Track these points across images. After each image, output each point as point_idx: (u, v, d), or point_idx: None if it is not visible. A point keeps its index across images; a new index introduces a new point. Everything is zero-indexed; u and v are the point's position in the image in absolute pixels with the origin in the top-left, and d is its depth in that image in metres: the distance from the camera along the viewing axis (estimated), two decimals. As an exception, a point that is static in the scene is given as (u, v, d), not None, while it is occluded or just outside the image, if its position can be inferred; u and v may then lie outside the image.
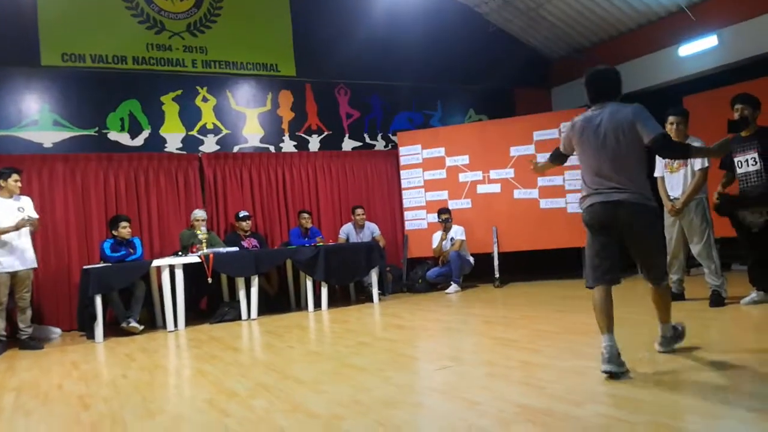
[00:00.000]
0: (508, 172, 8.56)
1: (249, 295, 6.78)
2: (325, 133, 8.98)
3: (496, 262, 8.27)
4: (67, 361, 5.13)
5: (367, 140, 9.29)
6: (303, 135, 8.82)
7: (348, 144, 9.14)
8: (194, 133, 8.10)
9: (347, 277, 7.54)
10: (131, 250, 6.67)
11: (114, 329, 6.40)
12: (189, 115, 8.09)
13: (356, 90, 9.21)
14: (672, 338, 3.62)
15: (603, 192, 3.32)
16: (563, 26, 9.68)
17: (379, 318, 6.41)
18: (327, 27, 8.87)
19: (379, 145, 9.37)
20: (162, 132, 7.92)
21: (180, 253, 6.83)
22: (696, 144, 4.63)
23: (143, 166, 7.63)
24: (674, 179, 5.26)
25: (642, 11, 8.75)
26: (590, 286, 3.39)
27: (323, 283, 7.16)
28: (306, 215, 8.02)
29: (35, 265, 5.99)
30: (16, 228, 5.68)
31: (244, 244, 7.51)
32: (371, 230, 8.40)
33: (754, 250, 4.92)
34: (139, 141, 7.79)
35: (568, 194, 8.27)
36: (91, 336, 6.11)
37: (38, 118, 7.30)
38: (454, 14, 9.73)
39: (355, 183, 8.97)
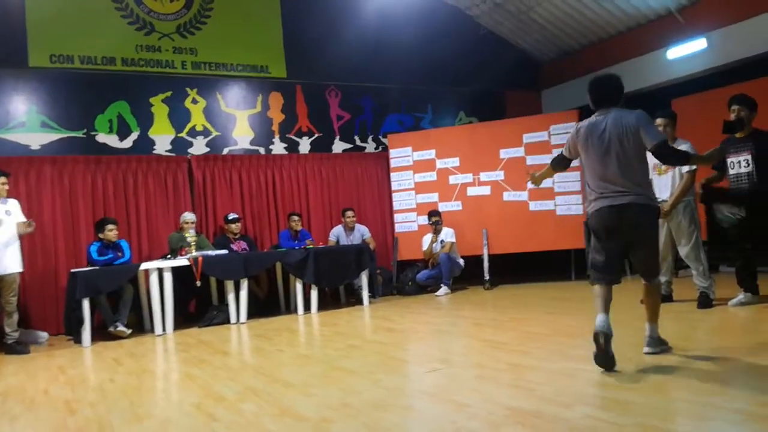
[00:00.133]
0: (498, 175, 8.57)
1: (238, 299, 6.75)
2: (316, 135, 8.96)
3: (486, 265, 8.28)
4: (53, 365, 5.09)
5: (358, 142, 9.28)
6: (293, 137, 8.80)
7: (338, 146, 9.13)
8: (183, 135, 8.07)
9: (337, 280, 7.52)
10: (119, 253, 6.62)
11: (101, 333, 6.34)
12: (178, 117, 8.05)
13: (347, 92, 9.20)
14: (659, 340, 3.63)
15: (609, 196, 3.44)
16: (553, 29, 9.72)
17: (369, 321, 6.39)
18: (318, 29, 8.86)
19: (370, 147, 9.37)
20: (151, 134, 7.87)
21: (169, 256, 6.79)
22: (683, 147, 4.66)
23: (132, 168, 7.58)
24: (662, 181, 5.28)
25: (631, 14, 8.80)
26: (592, 283, 3.58)
27: (313, 286, 7.13)
28: (296, 218, 7.99)
29: (21, 269, 5.92)
30: (20, 235, 5.73)
31: (234, 246, 7.48)
32: (361, 233, 8.39)
33: (716, 245, 4.95)
34: (127, 143, 7.75)
35: (557, 196, 8.29)
36: (78, 340, 6.04)
37: (25, 120, 7.24)
38: (444, 17, 9.75)
39: (346, 185, 8.95)
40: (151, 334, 6.40)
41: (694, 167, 5.07)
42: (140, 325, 6.77)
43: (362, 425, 2.74)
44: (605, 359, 3.31)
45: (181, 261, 6.52)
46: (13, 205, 5.92)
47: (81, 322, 5.97)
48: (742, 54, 7.66)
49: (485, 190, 8.62)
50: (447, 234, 8.32)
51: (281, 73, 8.72)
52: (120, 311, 6.34)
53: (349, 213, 8.35)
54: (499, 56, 10.13)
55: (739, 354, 3.56)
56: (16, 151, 7.11)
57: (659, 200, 5.25)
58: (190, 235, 6.86)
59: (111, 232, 6.61)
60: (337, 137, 9.13)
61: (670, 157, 3.65)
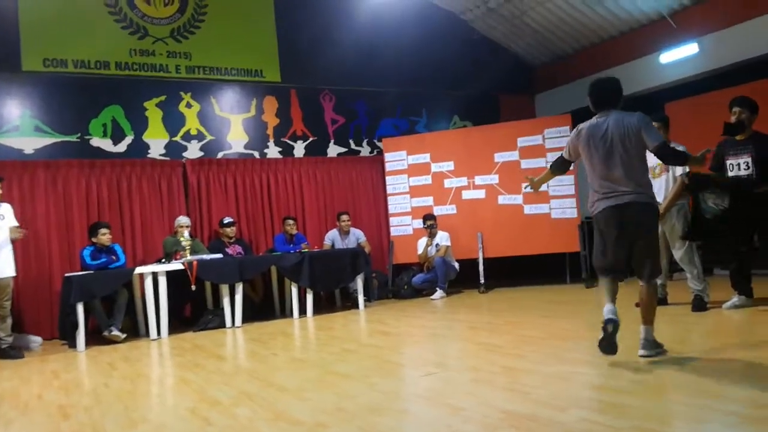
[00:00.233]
0: (493, 178, 8.59)
1: (233, 303, 6.73)
2: (310, 139, 8.96)
3: (481, 268, 8.29)
4: (47, 370, 5.06)
5: (353, 146, 9.29)
6: (288, 141, 8.80)
7: (333, 150, 9.13)
8: (178, 139, 8.05)
9: (332, 284, 7.52)
10: (113, 257, 6.60)
11: (96, 338, 6.32)
12: (173, 121, 8.04)
13: (341, 96, 9.20)
14: (654, 343, 3.65)
15: (612, 196, 3.57)
16: (546, 33, 9.76)
17: (364, 324, 6.39)
18: (312, 33, 8.86)
19: (365, 151, 9.38)
20: (145, 138, 7.86)
21: (163, 260, 6.77)
22: (679, 149, 4.67)
23: (126, 172, 7.56)
24: (656, 185, 5.27)
25: (624, 19, 8.84)
26: (591, 285, 3.69)
27: (308, 290, 7.13)
28: (291, 221, 7.98)
29: (14, 273, 5.89)
30: (13, 241, 5.71)
31: (229, 251, 7.46)
32: (356, 236, 8.39)
33: (697, 237, 4.94)
34: (121, 147, 7.73)
35: (552, 200, 8.31)
36: (72, 345, 6.02)
37: (19, 124, 7.22)
38: (439, 21, 9.77)
39: (341, 189, 8.95)
40: (146, 338, 6.38)
41: (687, 170, 5.10)
42: (135, 329, 6.74)
43: (357, 429, 2.74)
44: (609, 346, 3.47)
45: (176, 265, 6.50)
46: (7, 209, 5.89)
47: (75, 326, 5.94)
48: (734, 58, 7.70)
49: (480, 194, 8.64)
50: (442, 238, 8.33)
51: (275, 77, 8.72)
52: (114, 316, 6.31)
53: (344, 217, 8.35)
54: (492, 60, 10.16)
55: (733, 356, 3.58)
56: (9, 155, 7.08)
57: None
58: (185, 239, 6.85)
59: (104, 236, 6.59)
60: (332, 141, 9.13)
61: (670, 157, 3.75)
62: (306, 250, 7.44)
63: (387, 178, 9.03)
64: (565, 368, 3.60)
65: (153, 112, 7.93)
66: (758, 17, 7.36)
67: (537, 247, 8.35)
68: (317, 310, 7.28)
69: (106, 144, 7.64)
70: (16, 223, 5.87)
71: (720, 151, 5.03)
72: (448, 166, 8.78)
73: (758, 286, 5.18)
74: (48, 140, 7.34)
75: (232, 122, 8.46)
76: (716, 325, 4.56)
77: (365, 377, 3.76)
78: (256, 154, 8.54)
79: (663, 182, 5.26)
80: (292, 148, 8.82)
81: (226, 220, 7.64)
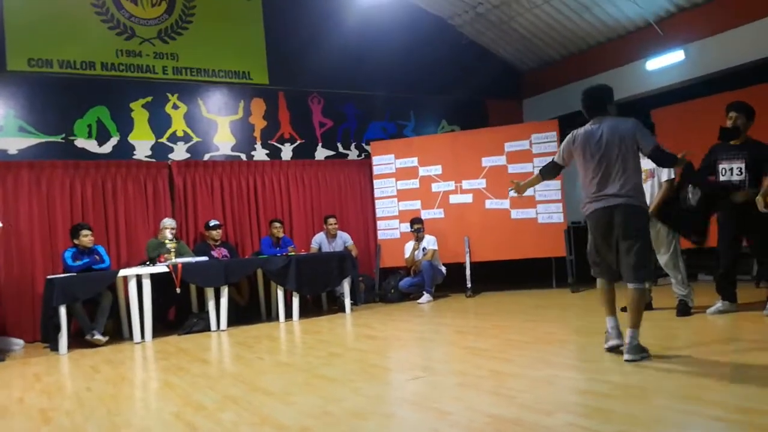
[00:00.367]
0: (480, 183, 8.61)
1: (218, 306, 6.69)
2: (298, 142, 8.94)
3: (468, 272, 8.30)
4: (29, 373, 5.00)
5: (341, 149, 9.28)
6: (275, 143, 8.77)
7: (321, 153, 9.11)
8: (164, 140, 8.00)
9: (319, 287, 7.49)
10: (96, 257, 6.54)
11: (79, 341, 6.25)
12: (159, 123, 7.98)
13: (330, 99, 9.19)
14: (640, 347, 3.66)
15: (603, 198, 3.71)
16: (534, 39, 9.82)
17: (351, 328, 6.37)
18: (300, 35, 8.85)
19: (353, 154, 9.37)
20: (131, 139, 7.80)
21: (148, 263, 6.70)
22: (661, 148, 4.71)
23: (111, 173, 7.49)
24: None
25: (611, 26, 8.91)
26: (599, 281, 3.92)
27: (295, 293, 7.10)
28: (278, 224, 7.95)
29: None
30: None
31: (214, 253, 7.41)
32: (344, 240, 8.37)
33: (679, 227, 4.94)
34: (107, 148, 7.66)
35: (539, 205, 8.35)
36: (55, 348, 5.94)
37: (3, 124, 7.13)
38: (427, 26, 9.80)
39: (328, 192, 8.93)
40: (130, 341, 6.31)
41: (672, 176, 5.14)
42: (118, 332, 6.68)
43: (343, 434, 2.72)
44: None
45: (161, 268, 6.45)
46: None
47: (58, 329, 5.88)
48: (719, 66, 7.79)
49: (467, 198, 8.66)
50: (429, 241, 8.33)
51: (263, 80, 8.69)
52: (97, 319, 6.25)
53: (332, 220, 8.33)
54: (481, 65, 10.21)
55: (718, 361, 3.60)
56: (-8, 155, 7.01)
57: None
58: (170, 242, 6.80)
59: (86, 238, 6.52)
60: (320, 144, 9.11)
61: (665, 159, 3.84)
62: (293, 253, 7.41)
63: (375, 181, 9.03)
64: (551, 372, 3.60)
65: (139, 113, 7.88)
66: (744, 25, 7.45)
67: (523, 251, 8.38)
68: (303, 314, 7.25)
69: (91, 145, 7.58)
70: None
71: (712, 155, 5.03)
72: (436, 170, 8.79)
73: (742, 291, 5.22)
74: (32, 141, 7.26)
75: (219, 124, 8.42)
76: (700, 330, 4.59)
77: (351, 381, 3.74)
78: (243, 157, 8.50)
79: (648, 188, 5.28)
80: (280, 150, 8.80)
81: (212, 222, 7.59)
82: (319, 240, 8.32)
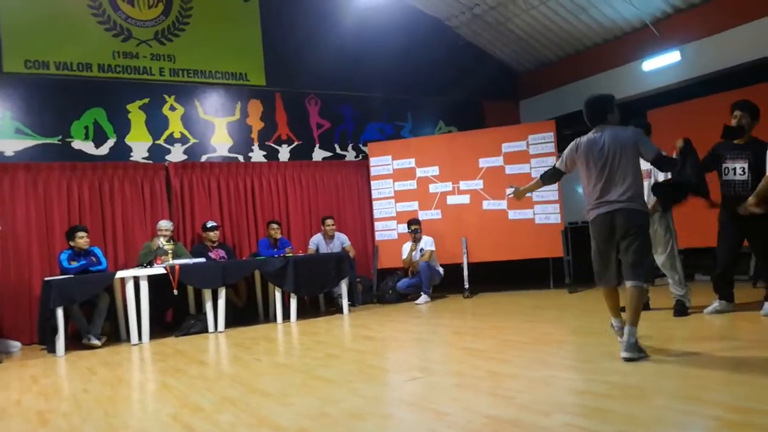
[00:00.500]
0: (478, 184, 8.62)
1: (216, 307, 6.68)
2: (296, 143, 8.93)
3: (465, 273, 8.30)
4: (26, 375, 4.99)
5: (338, 151, 9.28)
6: (273, 145, 8.77)
7: (318, 154, 9.11)
8: (161, 142, 7.99)
9: (317, 288, 7.48)
10: (93, 259, 6.52)
11: (76, 342, 6.23)
12: (156, 124, 7.97)
13: (327, 100, 9.19)
14: (637, 346, 3.68)
15: (605, 204, 3.84)
16: (530, 40, 9.84)
17: (348, 329, 6.36)
18: (297, 37, 8.85)
19: (350, 155, 9.37)
20: (128, 141, 7.79)
21: (145, 265, 6.69)
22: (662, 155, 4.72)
23: (108, 175, 7.48)
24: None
25: (607, 27, 8.93)
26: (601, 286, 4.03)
27: (292, 295, 7.09)
28: (275, 226, 7.94)
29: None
30: None
31: (212, 255, 7.41)
32: (341, 241, 8.37)
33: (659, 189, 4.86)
34: (104, 150, 7.65)
35: (536, 205, 8.35)
36: (52, 350, 5.93)
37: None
38: (424, 27, 9.81)
39: (326, 193, 8.93)
40: (127, 343, 6.30)
41: (669, 177, 5.14)
42: (116, 334, 6.67)
43: (341, 435, 2.72)
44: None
45: (158, 269, 6.44)
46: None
47: (55, 331, 5.86)
48: (715, 66, 7.81)
49: (465, 199, 8.66)
50: (427, 242, 8.33)
51: (260, 81, 8.69)
52: (94, 321, 6.23)
53: (329, 221, 8.32)
54: (477, 66, 10.22)
55: (715, 361, 3.61)
56: (-11, 157, 6.99)
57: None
58: (166, 244, 6.78)
59: (82, 240, 6.50)
60: (317, 145, 9.11)
61: (667, 164, 4.09)
62: (290, 254, 7.40)
63: (372, 182, 9.03)
64: (548, 373, 3.61)
65: (136, 115, 7.87)
66: (740, 26, 7.48)
67: (521, 252, 8.39)
68: (301, 315, 7.24)
69: (87, 147, 7.56)
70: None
71: (716, 152, 5.01)
72: (433, 171, 8.80)
73: (739, 291, 5.23)
74: (29, 142, 7.25)
75: (216, 125, 8.41)
76: (698, 330, 4.60)
77: (349, 382, 3.74)
78: (241, 158, 8.49)
79: (646, 187, 5.29)
80: (277, 152, 8.79)
81: (210, 224, 7.58)
82: (316, 241, 8.32)
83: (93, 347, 6.06)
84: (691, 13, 8.06)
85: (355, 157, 9.39)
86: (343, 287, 7.41)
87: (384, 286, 8.44)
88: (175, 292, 6.45)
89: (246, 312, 7.50)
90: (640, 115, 7.42)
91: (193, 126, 8.23)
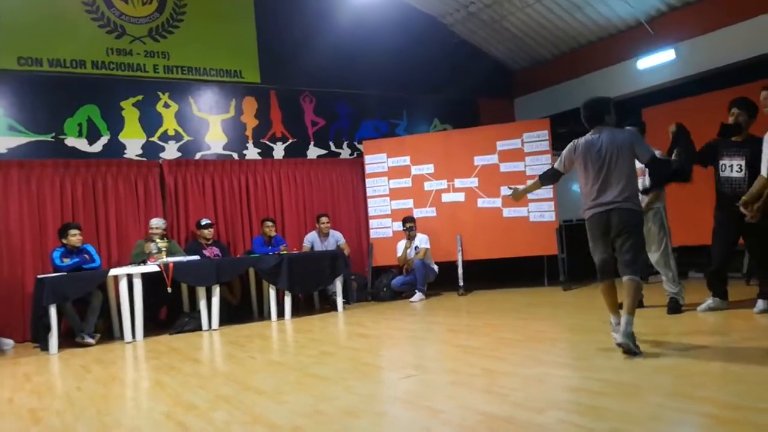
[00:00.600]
0: (473, 181, 8.62)
1: (210, 305, 6.66)
2: (290, 141, 8.91)
3: (460, 271, 8.30)
4: (19, 373, 4.96)
5: (333, 148, 9.26)
6: (267, 142, 8.75)
7: (313, 152, 9.09)
8: (155, 139, 7.96)
9: (311, 286, 7.47)
10: (86, 256, 6.50)
11: (69, 340, 6.21)
12: (150, 121, 7.94)
13: (322, 98, 9.17)
14: (632, 335, 3.74)
15: (602, 204, 3.97)
16: (525, 38, 9.84)
17: (343, 327, 6.36)
18: (292, 34, 8.82)
19: (345, 153, 9.35)
20: (121, 138, 7.75)
21: (139, 263, 6.66)
22: (656, 153, 4.72)
23: (102, 172, 7.44)
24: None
25: (602, 25, 8.94)
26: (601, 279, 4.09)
27: (287, 292, 7.08)
28: (270, 223, 7.92)
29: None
30: None
31: (206, 252, 7.39)
32: (336, 238, 8.36)
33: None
34: (97, 147, 7.61)
35: (530, 203, 8.35)
36: (45, 347, 5.91)
37: (-8, 123, 7.08)
38: (419, 25, 9.79)
39: (320, 191, 8.91)
40: (121, 341, 6.28)
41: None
42: (109, 331, 6.65)
43: (335, 432, 2.72)
44: (633, 353, 3.70)
45: (152, 267, 6.42)
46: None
47: (48, 328, 5.84)
48: (710, 65, 7.83)
49: (459, 197, 8.67)
50: (421, 240, 8.33)
51: (255, 78, 8.66)
52: (88, 319, 6.22)
53: (324, 219, 8.31)
54: (472, 64, 10.21)
55: (708, 359, 3.62)
56: (-19, 154, 6.95)
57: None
58: (162, 242, 6.77)
59: (74, 237, 6.48)
60: (312, 143, 9.09)
61: (660, 168, 4.18)
62: (285, 252, 7.38)
63: (367, 180, 9.02)
64: (542, 370, 3.61)
65: (130, 112, 7.83)
66: (734, 24, 7.49)
67: (515, 249, 8.40)
68: (295, 313, 7.24)
69: (81, 144, 7.53)
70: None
71: (713, 148, 5.00)
72: (428, 168, 8.79)
73: (732, 289, 5.24)
74: (22, 139, 7.21)
75: (211, 123, 8.38)
76: (691, 328, 4.61)
77: (343, 380, 3.73)
78: (235, 156, 8.47)
79: (640, 185, 5.30)
80: (272, 149, 8.77)
81: (204, 221, 7.56)
82: (311, 239, 8.31)
83: (87, 345, 6.04)
84: (686, 11, 8.08)
85: (350, 154, 9.37)
86: (338, 285, 7.40)
87: (379, 283, 8.44)
88: (169, 289, 6.44)
89: (240, 310, 7.49)
90: (635, 114, 7.44)
91: (187, 123, 8.19)
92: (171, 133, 8.07)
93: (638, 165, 4.38)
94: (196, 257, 6.93)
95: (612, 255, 4.04)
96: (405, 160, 8.88)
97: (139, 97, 7.88)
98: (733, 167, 4.89)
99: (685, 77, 8.14)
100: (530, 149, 8.44)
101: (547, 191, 8.25)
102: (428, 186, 8.79)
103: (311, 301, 8.12)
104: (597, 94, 4.13)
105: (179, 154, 8.07)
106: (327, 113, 9.22)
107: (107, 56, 7.73)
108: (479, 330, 5.42)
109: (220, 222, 8.07)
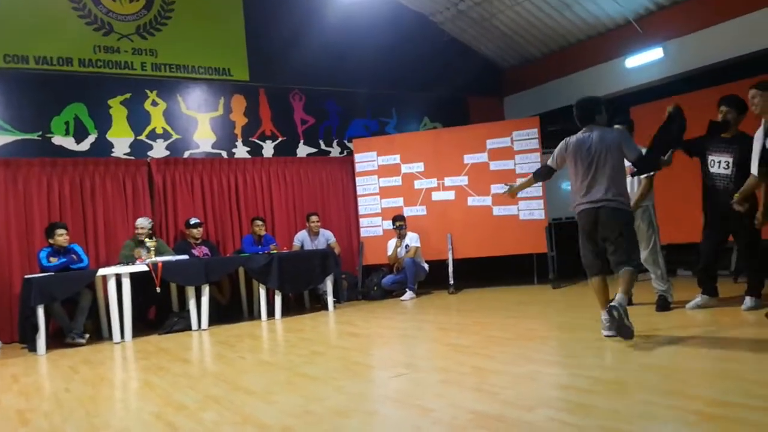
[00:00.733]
0: (463, 180, 8.63)
1: (199, 305, 6.63)
2: (280, 139, 8.89)
3: (450, 269, 8.31)
4: (6, 374, 4.92)
5: (323, 147, 9.24)
6: (257, 140, 8.71)
7: (303, 150, 9.07)
8: (143, 137, 7.90)
9: (302, 285, 7.46)
10: (74, 256, 6.45)
11: (57, 341, 6.17)
12: (138, 120, 7.88)
13: (311, 96, 9.15)
14: (626, 312, 3.92)
15: (590, 201, 4.14)
16: (515, 36, 9.85)
17: (333, 326, 6.35)
18: (281, 32, 8.79)
19: (335, 151, 9.33)
20: (109, 136, 7.69)
21: (127, 263, 6.62)
22: (643, 152, 4.74)
23: (89, 171, 7.38)
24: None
25: (591, 23, 8.97)
26: (590, 276, 4.27)
27: (277, 292, 7.06)
28: (259, 222, 7.90)
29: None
30: None
31: (195, 252, 7.35)
32: (326, 237, 8.34)
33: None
34: (84, 146, 7.55)
35: (520, 201, 8.37)
36: (33, 348, 5.86)
37: (-23, 121, 7.01)
38: (409, 23, 9.78)
39: (310, 190, 8.89)
40: (109, 341, 6.24)
41: (652, 173, 5.18)
42: (98, 332, 6.60)
43: (326, 432, 2.71)
44: (623, 328, 3.87)
45: (140, 267, 6.38)
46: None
47: (36, 329, 5.79)
48: (697, 63, 7.87)
49: (450, 195, 8.67)
50: (412, 239, 8.34)
51: (244, 76, 8.62)
52: (76, 318, 6.17)
53: (314, 218, 8.29)
54: (462, 62, 10.21)
55: (696, 356, 3.65)
56: (-33, 153, 6.88)
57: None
58: (150, 241, 6.72)
59: (61, 237, 6.42)
60: (302, 141, 9.07)
61: (646, 167, 4.41)
62: (275, 251, 7.36)
63: (357, 179, 9.01)
64: (533, 368, 3.62)
65: (117, 110, 7.77)
66: (722, 23, 7.53)
67: (505, 248, 8.42)
68: (286, 312, 7.22)
69: (68, 142, 7.46)
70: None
71: (703, 142, 5.02)
72: (418, 167, 8.80)
73: (720, 286, 5.27)
74: (8, 138, 7.13)
75: (199, 121, 8.33)
76: (680, 325, 4.63)
77: (333, 379, 3.73)
78: (224, 154, 8.43)
79: (628, 184, 5.32)
80: (261, 148, 8.74)
81: (193, 220, 7.52)
82: (301, 238, 8.29)
83: (78, 345, 6.01)
84: (674, 9, 8.12)
85: (340, 153, 9.36)
86: (328, 284, 7.39)
87: (369, 282, 8.43)
88: (158, 289, 6.40)
89: (230, 309, 7.45)
90: (623, 112, 7.46)
91: (175, 121, 8.15)
92: (159, 131, 8.02)
93: (627, 163, 4.43)
94: (185, 257, 6.90)
95: (600, 252, 4.20)
96: (395, 159, 8.88)
97: (127, 95, 7.82)
98: (720, 163, 4.92)
99: (673, 75, 8.18)
100: (520, 147, 8.46)
101: (536, 190, 8.27)
102: (418, 184, 8.79)
103: (301, 300, 8.10)
104: (586, 92, 4.23)
105: (167, 153, 8.02)
106: (317, 111, 9.20)
107: (94, 54, 7.66)
108: (469, 328, 5.42)
109: (209, 221, 8.03)
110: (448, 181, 8.69)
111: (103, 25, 7.75)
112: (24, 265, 6.83)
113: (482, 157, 8.59)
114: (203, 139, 8.33)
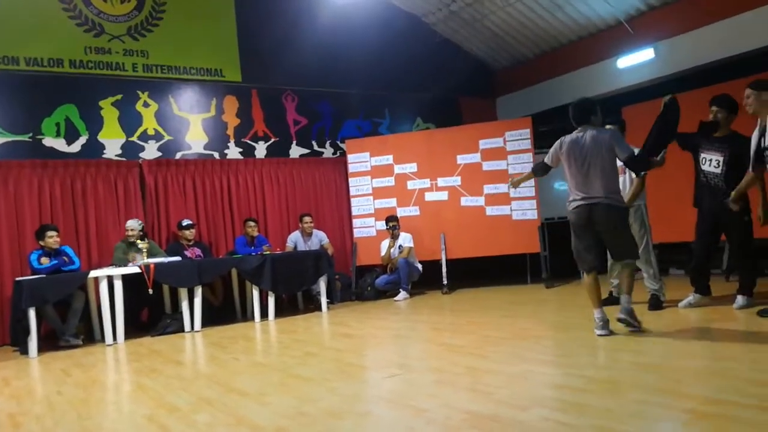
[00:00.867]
0: (456, 180, 8.64)
1: (192, 306, 6.60)
2: (272, 140, 8.87)
3: (444, 269, 8.32)
4: (-4, 378, 4.88)
5: (315, 147, 9.23)
6: (249, 141, 8.69)
7: (296, 151, 9.05)
8: (134, 139, 7.87)
9: (295, 286, 7.44)
10: (65, 258, 6.41)
11: (49, 343, 6.13)
12: (129, 121, 7.85)
13: (304, 97, 9.14)
14: (632, 312, 4.23)
15: (585, 198, 4.27)
16: (507, 37, 9.87)
17: (327, 327, 6.34)
18: (274, 33, 8.77)
19: (327, 152, 9.32)
20: (100, 138, 7.66)
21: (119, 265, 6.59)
22: (634, 151, 4.77)
23: (80, 173, 7.34)
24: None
25: (582, 24, 9.00)
26: (583, 272, 4.40)
27: (270, 293, 7.04)
28: (252, 223, 7.87)
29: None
30: None
31: (187, 253, 7.32)
32: (319, 238, 8.33)
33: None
34: (75, 147, 7.51)
35: (513, 201, 8.39)
36: (24, 351, 5.82)
37: (-33, 123, 6.96)
38: (402, 24, 9.79)
39: (303, 190, 8.87)
40: (102, 343, 6.21)
41: (643, 173, 5.20)
42: (90, 334, 6.57)
43: (319, 433, 2.70)
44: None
45: (133, 268, 6.35)
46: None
47: (27, 332, 5.75)
48: (688, 64, 7.91)
49: (443, 196, 8.68)
50: (405, 239, 8.34)
51: (236, 77, 8.60)
52: (69, 321, 6.14)
53: (307, 218, 8.28)
54: (454, 63, 10.23)
55: (689, 354, 3.66)
56: (-44, 155, 6.83)
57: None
58: (142, 243, 6.69)
59: (51, 239, 6.38)
60: (294, 142, 9.05)
61: (639, 164, 4.49)
62: (268, 252, 7.34)
63: (350, 179, 9.00)
64: (526, 368, 3.62)
65: (108, 112, 7.74)
66: (713, 23, 7.57)
67: (499, 248, 8.43)
68: (279, 313, 7.20)
69: (59, 144, 7.42)
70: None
71: (695, 139, 5.04)
72: (411, 167, 8.80)
73: (712, 285, 5.29)
74: (-2, 140, 7.10)
75: (191, 122, 8.31)
76: (672, 324, 4.65)
77: (327, 380, 3.72)
78: (216, 155, 8.41)
79: (620, 184, 5.34)
80: (254, 148, 8.72)
81: (185, 222, 7.49)
82: (294, 239, 8.27)
83: (74, 347, 5.99)
84: (665, 10, 8.16)
85: (333, 153, 9.35)
86: (322, 285, 7.38)
87: (363, 283, 8.42)
88: (151, 291, 6.37)
89: (223, 311, 7.43)
90: (615, 112, 7.49)
91: (167, 123, 8.12)
92: (151, 132, 7.99)
93: (620, 163, 4.47)
94: (178, 258, 6.87)
95: (593, 249, 4.33)
96: (388, 159, 8.88)
97: (118, 97, 7.79)
98: (711, 162, 4.96)
99: (664, 76, 8.22)
100: (512, 148, 8.48)
101: (529, 190, 8.30)
102: (411, 185, 8.79)
103: (295, 301, 8.09)
104: (577, 92, 4.32)
105: (159, 154, 7.99)
106: (309, 112, 9.18)
107: (85, 55, 7.63)
108: (463, 328, 5.43)
109: (201, 222, 8.00)
110: (441, 181, 8.69)
111: (94, 26, 7.71)
112: (15, 267, 6.78)
113: (475, 157, 8.61)
114: (195, 140, 8.30)
